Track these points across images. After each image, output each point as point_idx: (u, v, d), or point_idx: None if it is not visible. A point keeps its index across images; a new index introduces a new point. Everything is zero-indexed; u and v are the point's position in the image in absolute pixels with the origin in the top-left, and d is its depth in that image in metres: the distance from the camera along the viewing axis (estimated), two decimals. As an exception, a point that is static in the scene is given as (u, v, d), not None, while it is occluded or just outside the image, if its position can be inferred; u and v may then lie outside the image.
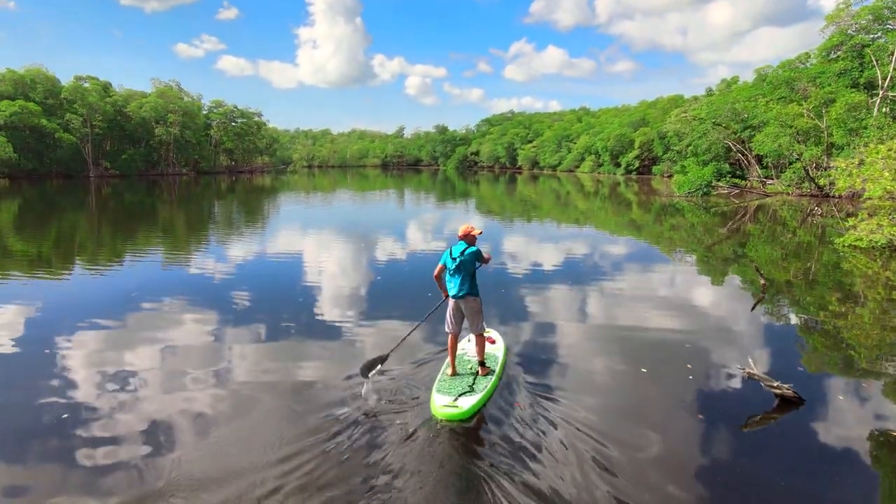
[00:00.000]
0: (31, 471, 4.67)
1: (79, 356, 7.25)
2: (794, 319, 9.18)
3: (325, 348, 7.59)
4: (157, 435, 5.16)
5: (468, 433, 5.12)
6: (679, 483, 4.44)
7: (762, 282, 10.69)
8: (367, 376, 5.90)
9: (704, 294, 10.90)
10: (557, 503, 4.12)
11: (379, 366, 6.09)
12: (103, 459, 4.79)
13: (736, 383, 6.14)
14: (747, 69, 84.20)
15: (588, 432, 5.10)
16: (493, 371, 6.17)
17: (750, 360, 5.83)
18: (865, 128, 29.08)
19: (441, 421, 5.22)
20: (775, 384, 5.47)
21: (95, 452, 4.90)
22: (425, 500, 4.14)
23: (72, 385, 6.31)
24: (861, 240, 14.45)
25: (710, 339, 7.94)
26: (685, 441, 5.08)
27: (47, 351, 7.43)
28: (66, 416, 5.55)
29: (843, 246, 14.88)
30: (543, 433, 5.07)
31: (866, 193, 15.14)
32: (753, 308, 9.71)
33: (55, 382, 6.39)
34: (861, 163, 16.18)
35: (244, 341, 7.82)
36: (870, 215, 14.94)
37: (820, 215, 23.79)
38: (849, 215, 22.79)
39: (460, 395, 5.48)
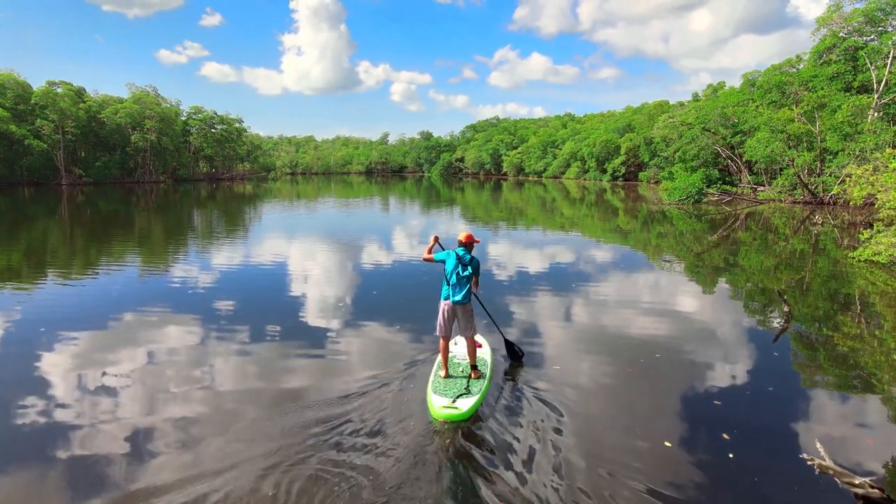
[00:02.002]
0: (7, 479, 4.62)
1: (56, 366, 7.12)
2: (834, 363, 7.70)
3: (311, 355, 7.56)
4: (137, 445, 5.07)
5: (466, 433, 5.24)
6: None
7: (786, 309, 9.30)
8: None
9: (719, 321, 9.47)
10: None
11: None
12: (81, 469, 4.71)
13: (796, 472, 4.61)
14: (728, 76, 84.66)
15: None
16: (484, 374, 6.34)
17: (818, 446, 4.35)
18: (860, 132, 28.14)
19: (440, 421, 5.40)
20: (857, 481, 4.03)
21: (73, 463, 4.81)
22: (422, 500, 4.19)
23: (48, 396, 6.21)
24: (880, 254, 13.18)
25: (743, 395, 6.44)
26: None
27: (23, 360, 7.34)
28: (42, 426, 5.49)
29: (858, 261, 13.63)
30: (538, 440, 5.12)
31: (882, 203, 13.89)
32: (776, 340, 8.37)
33: (31, 391, 6.33)
34: (876, 169, 14.98)
35: (228, 350, 7.71)
36: (886, 226, 13.73)
37: (820, 224, 22.63)
38: (851, 224, 21.77)
39: (458, 397, 5.70)
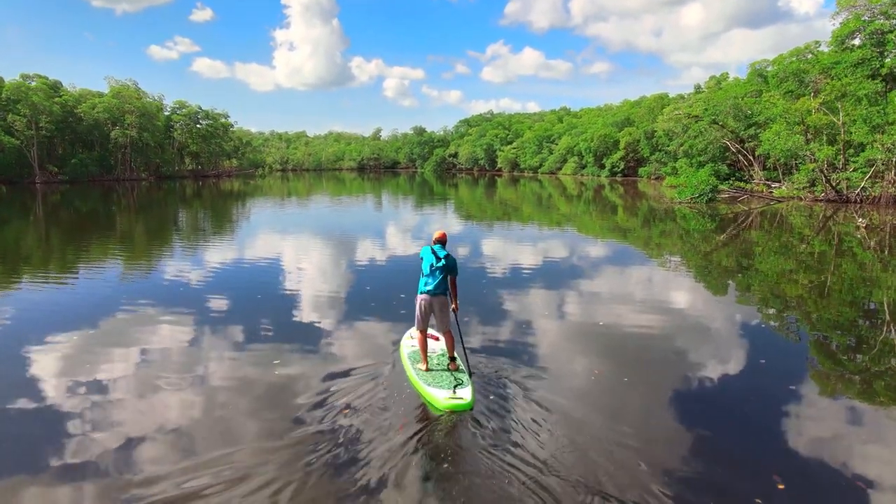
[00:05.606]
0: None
1: (44, 366, 6.94)
2: None
3: (302, 353, 7.41)
4: (126, 445, 4.90)
5: (474, 420, 5.32)
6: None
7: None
8: None
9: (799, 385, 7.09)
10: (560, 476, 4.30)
11: None
12: (70, 471, 4.53)
13: None
14: (720, 70, 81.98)
15: None
16: (461, 366, 6.42)
17: None
18: (892, 123, 25.77)
19: (447, 412, 5.47)
20: None
21: (64, 464, 4.62)
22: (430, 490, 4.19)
23: (37, 397, 5.99)
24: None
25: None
26: None
27: (11, 361, 7.14)
28: (31, 430, 5.29)
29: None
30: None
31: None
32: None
33: (19, 393, 6.10)
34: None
35: (218, 348, 7.58)
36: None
37: (864, 227, 20.09)
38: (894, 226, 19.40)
39: (456, 387, 5.79)
